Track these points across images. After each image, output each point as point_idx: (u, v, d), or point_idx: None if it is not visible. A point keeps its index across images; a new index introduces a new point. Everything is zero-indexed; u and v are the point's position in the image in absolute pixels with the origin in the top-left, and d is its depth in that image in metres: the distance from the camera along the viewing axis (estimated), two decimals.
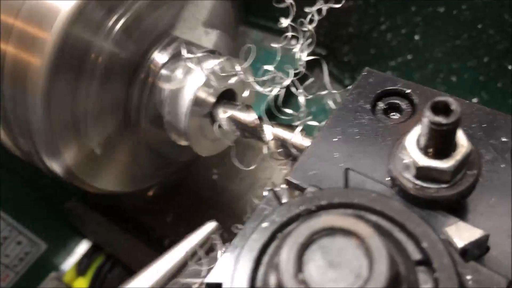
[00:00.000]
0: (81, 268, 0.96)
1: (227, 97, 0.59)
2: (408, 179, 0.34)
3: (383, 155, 0.39)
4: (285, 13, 1.00)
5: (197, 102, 0.57)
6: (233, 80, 0.57)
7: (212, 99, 0.58)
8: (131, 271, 0.74)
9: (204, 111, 0.58)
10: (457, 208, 0.35)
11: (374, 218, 0.28)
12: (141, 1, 0.57)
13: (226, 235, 0.70)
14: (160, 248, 0.74)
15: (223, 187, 0.86)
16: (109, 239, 0.92)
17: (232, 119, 0.56)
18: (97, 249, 0.97)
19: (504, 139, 0.38)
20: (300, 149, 0.51)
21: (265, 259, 0.29)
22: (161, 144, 0.66)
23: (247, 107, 0.55)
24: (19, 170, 0.82)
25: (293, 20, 0.96)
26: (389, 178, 0.36)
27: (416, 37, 0.84)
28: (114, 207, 0.89)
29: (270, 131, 0.53)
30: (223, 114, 0.57)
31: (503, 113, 0.40)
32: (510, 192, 0.35)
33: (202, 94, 0.57)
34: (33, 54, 0.53)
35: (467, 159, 0.33)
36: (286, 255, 0.25)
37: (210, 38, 0.66)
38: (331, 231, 0.25)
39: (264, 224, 0.30)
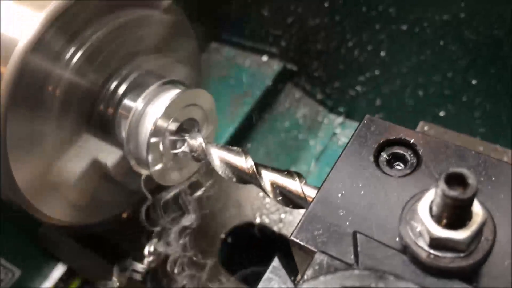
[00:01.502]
0: None
1: (189, 125, 0.59)
2: (422, 247, 0.33)
3: (390, 213, 0.38)
4: (255, 30, 1.01)
5: (158, 132, 0.56)
6: (194, 110, 0.56)
7: (173, 129, 0.57)
8: None
9: (165, 141, 0.57)
10: (471, 274, 0.34)
11: None
12: (102, 30, 0.57)
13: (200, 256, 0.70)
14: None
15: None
16: (84, 264, 0.91)
17: (226, 164, 0.53)
18: (73, 273, 0.95)
19: None
20: (301, 198, 0.48)
21: None
22: (124, 174, 0.65)
23: (244, 152, 0.53)
24: None
25: (265, 36, 0.97)
26: (399, 241, 0.35)
27: (382, 53, 0.85)
28: (88, 231, 0.88)
29: (268, 177, 0.50)
30: (217, 157, 0.53)
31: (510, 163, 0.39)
32: None
33: (163, 124, 0.56)
34: None
35: (482, 227, 0.32)
36: None
37: (173, 67, 0.66)
38: None
39: None
